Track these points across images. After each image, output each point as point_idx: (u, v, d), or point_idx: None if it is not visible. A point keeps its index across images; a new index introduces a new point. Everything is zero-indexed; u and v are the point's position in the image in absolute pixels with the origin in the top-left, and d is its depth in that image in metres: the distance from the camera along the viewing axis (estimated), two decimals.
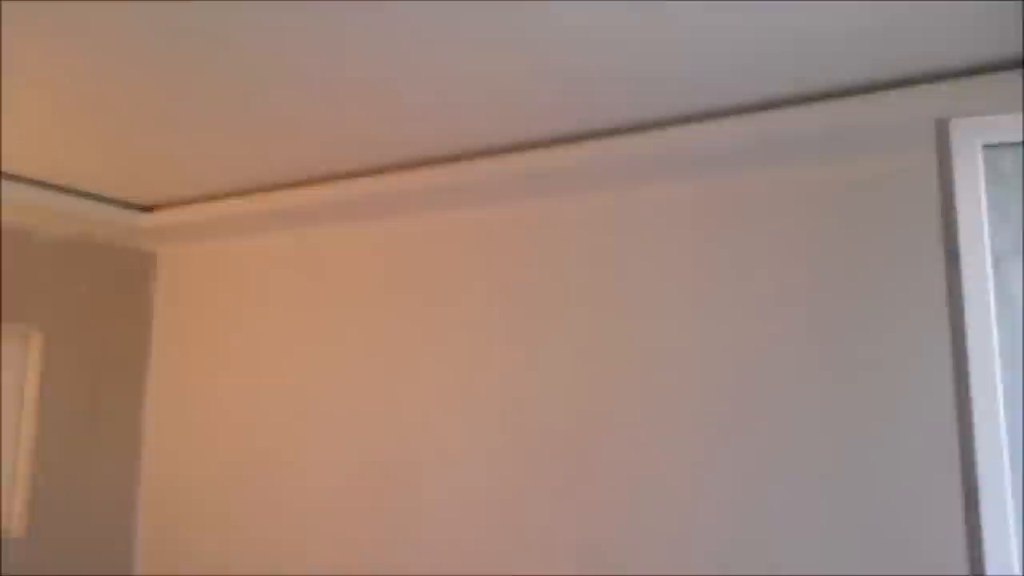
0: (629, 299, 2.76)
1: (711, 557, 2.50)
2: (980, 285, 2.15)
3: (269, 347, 3.57)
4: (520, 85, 2.22)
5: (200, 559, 3.57)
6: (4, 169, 3.06)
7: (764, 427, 2.48)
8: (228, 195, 3.35)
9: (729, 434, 2.53)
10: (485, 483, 2.92)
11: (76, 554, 3.59)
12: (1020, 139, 2.14)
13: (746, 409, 2.51)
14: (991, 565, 2.07)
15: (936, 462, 2.24)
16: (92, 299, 3.78)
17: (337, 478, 3.26)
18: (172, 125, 2.62)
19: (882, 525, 2.30)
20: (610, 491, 2.69)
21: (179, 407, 3.82)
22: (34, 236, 3.57)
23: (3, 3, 1.81)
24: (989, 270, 2.15)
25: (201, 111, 2.49)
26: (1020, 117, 2.12)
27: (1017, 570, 2.05)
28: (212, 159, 2.96)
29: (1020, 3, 1.79)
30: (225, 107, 2.45)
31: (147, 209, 3.59)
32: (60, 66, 2.17)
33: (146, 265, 4.01)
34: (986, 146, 2.19)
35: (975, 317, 2.15)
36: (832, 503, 2.36)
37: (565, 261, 2.90)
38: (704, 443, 2.56)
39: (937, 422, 2.26)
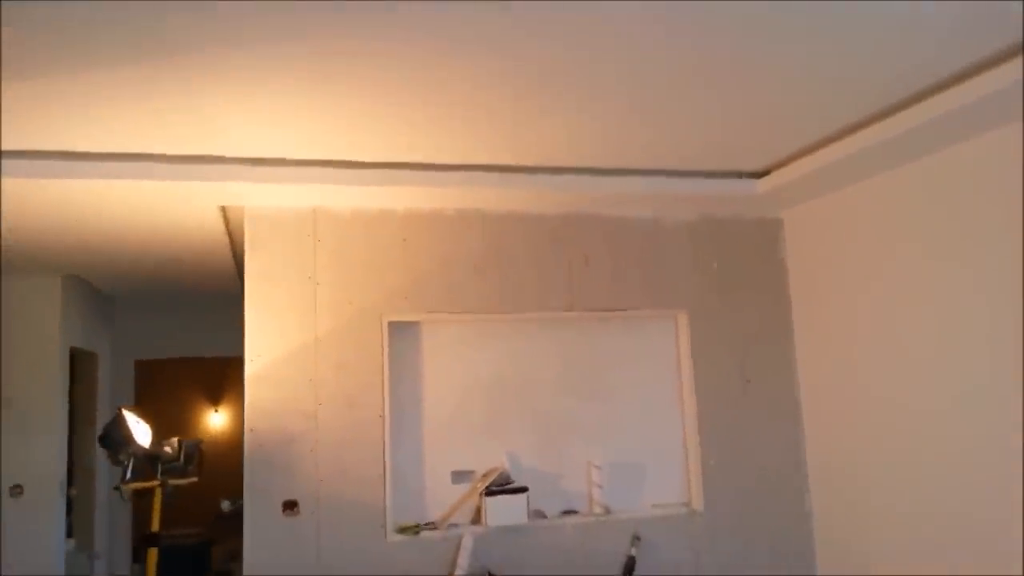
0: None
1: None
2: None
3: (907, 286, 3.08)
4: None
5: (878, 532, 3.24)
6: (599, 165, 3.16)
7: None
8: (832, 139, 2.92)
9: None
10: None
11: (753, 528, 3.59)
12: None
13: None
14: None
15: None
16: (724, 273, 3.75)
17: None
18: (763, 84, 2.37)
19: None
20: None
21: (830, 365, 3.54)
22: (661, 223, 3.69)
23: None
24: None
25: (783, 63, 2.20)
26: None
27: None
28: (804, 107, 2.60)
29: None
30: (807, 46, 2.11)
31: (760, 175, 3.37)
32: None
33: (773, 231, 3.83)
34: None
35: None
36: None
37: None
38: None
39: None
